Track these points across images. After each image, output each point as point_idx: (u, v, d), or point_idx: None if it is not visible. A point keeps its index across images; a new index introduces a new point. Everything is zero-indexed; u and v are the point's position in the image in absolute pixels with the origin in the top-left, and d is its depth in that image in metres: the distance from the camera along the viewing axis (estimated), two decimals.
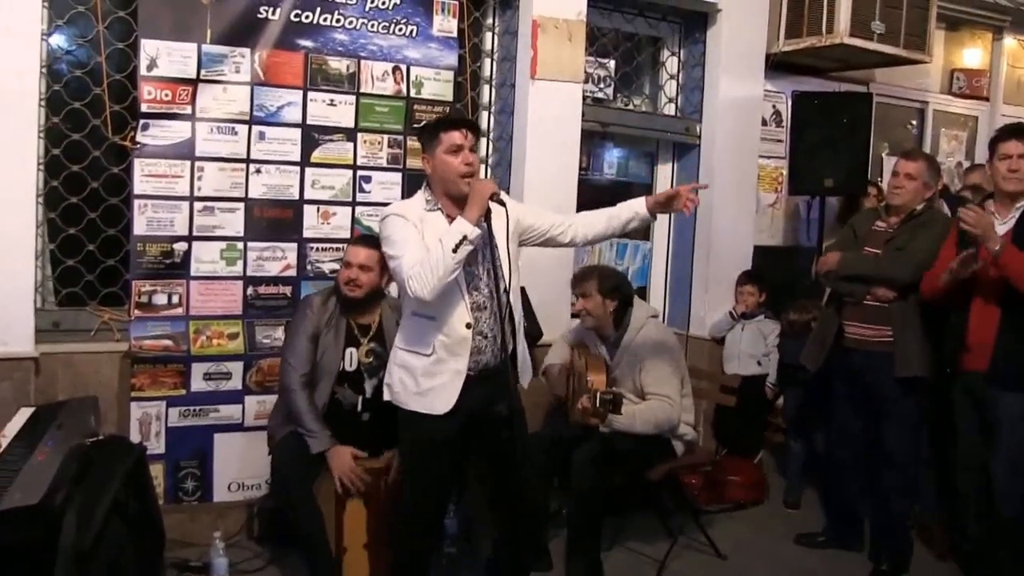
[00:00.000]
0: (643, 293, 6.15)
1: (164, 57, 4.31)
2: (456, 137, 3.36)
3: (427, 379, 3.39)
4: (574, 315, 4.78)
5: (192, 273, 4.48)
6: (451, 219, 3.34)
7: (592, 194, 5.87)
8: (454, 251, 3.19)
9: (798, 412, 5.48)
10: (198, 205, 4.46)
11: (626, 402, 4.14)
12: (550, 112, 5.29)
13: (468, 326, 3.37)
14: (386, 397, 3.55)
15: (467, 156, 3.36)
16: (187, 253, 4.46)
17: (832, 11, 5.92)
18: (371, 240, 4.03)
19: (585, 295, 4.54)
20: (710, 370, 5.67)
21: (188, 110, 4.38)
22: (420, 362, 3.40)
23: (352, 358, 4.15)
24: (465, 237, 3.20)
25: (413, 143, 4.83)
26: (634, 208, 3.69)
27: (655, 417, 4.36)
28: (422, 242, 3.30)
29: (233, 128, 4.50)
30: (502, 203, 3.37)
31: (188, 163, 4.41)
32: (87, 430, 3.54)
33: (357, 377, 4.14)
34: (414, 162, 4.85)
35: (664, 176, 6.23)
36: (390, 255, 3.38)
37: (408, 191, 4.74)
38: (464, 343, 3.38)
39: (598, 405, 4.06)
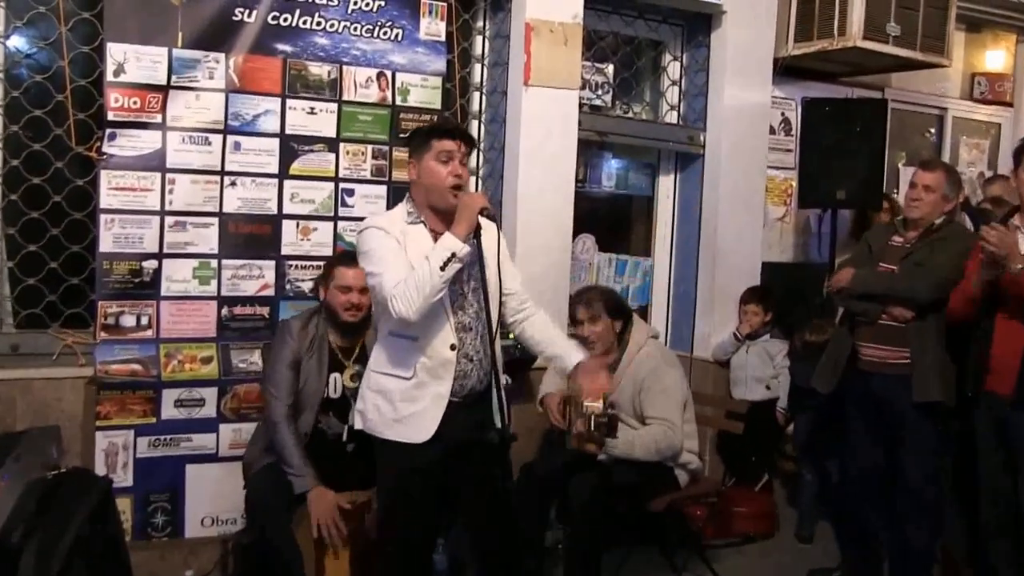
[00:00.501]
0: (644, 313, 6.14)
1: (132, 62, 4.31)
2: (448, 145, 3.36)
3: (406, 404, 3.37)
4: (578, 338, 4.76)
5: (162, 293, 4.47)
6: (434, 233, 3.35)
7: (589, 207, 5.89)
8: (442, 269, 3.18)
9: (809, 438, 5.46)
10: (169, 220, 4.45)
11: (624, 427, 4.14)
12: (544, 121, 5.28)
13: (453, 348, 3.36)
14: (358, 425, 3.53)
15: (457, 167, 3.35)
16: (157, 271, 4.44)
17: (844, 12, 5.92)
18: None
19: (594, 319, 4.52)
20: (716, 395, 5.67)
21: (158, 119, 4.38)
22: (399, 386, 3.38)
23: (336, 384, 4.15)
24: (453, 255, 3.20)
25: (399, 154, 4.87)
26: (563, 360, 3.61)
27: (655, 442, 4.35)
28: (405, 258, 3.29)
29: (206, 138, 4.49)
30: (493, 218, 3.36)
31: (158, 175, 4.41)
32: (48, 462, 3.53)
33: (342, 404, 4.12)
34: (400, 174, 4.88)
35: (666, 188, 6.24)
36: (370, 271, 3.35)
37: (393, 204, 4.68)
38: (448, 366, 3.36)
39: (593, 428, 4.04)
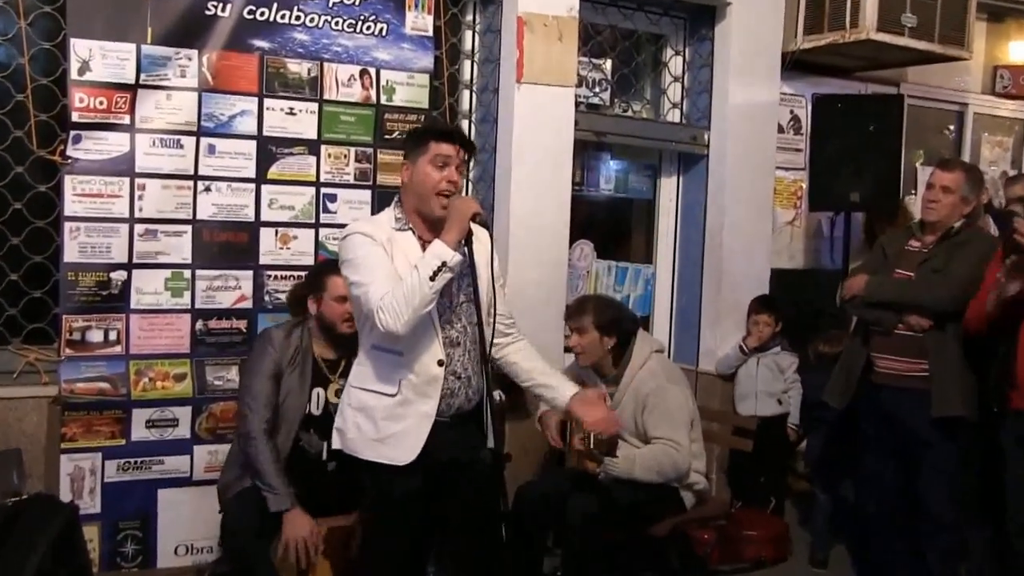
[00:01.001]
0: (646, 324, 6.12)
1: (98, 59, 4.30)
2: (446, 149, 3.34)
3: (389, 423, 3.35)
4: (568, 349, 4.76)
5: (132, 306, 4.46)
6: (423, 241, 3.34)
7: (587, 212, 5.91)
8: (431, 279, 3.15)
9: (823, 456, 5.44)
10: (139, 228, 4.44)
11: (625, 445, 4.14)
12: (538, 120, 5.28)
13: (441, 364, 3.34)
14: (336, 445, 3.52)
15: (452, 174, 3.34)
16: (126, 283, 4.43)
17: (857, 3, 5.92)
18: None
19: (580, 330, 4.55)
20: (723, 410, 5.66)
21: (126, 120, 4.37)
22: (382, 403, 3.36)
23: (319, 399, 4.15)
24: (444, 264, 3.17)
25: (385, 156, 4.92)
26: (555, 392, 3.57)
27: (658, 463, 4.35)
28: (392, 267, 3.28)
29: (178, 140, 4.49)
30: (485, 225, 3.36)
31: (127, 180, 4.40)
32: (8, 487, 3.51)
33: (325, 421, 4.06)
34: (386, 178, 4.92)
35: (668, 191, 6.24)
36: (354, 281, 3.32)
37: (379, 210, 4.69)
38: (435, 383, 3.35)
39: (592, 446, 4.06)
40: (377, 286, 3.22)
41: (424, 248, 3.28)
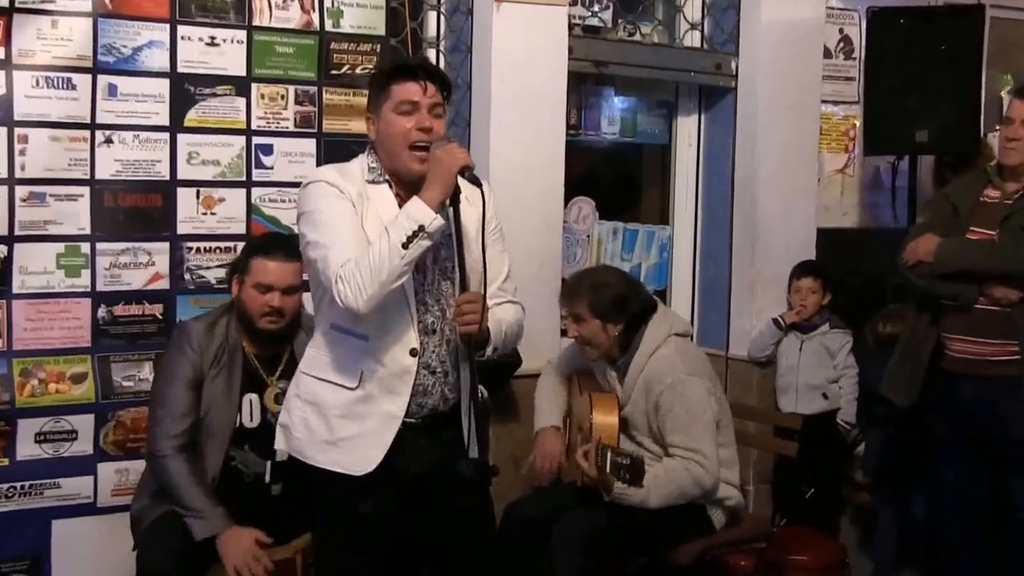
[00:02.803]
0: (661, 300, 6.05)
1: None
2: (411, 90, 3.33)
3: (345, 423, 3.37)
4: (564, 333, 4.75)
5: (15, 290, 4.44)
6: (401, 199, 3.35)
7: (586, 163, 5.94)
8: (404, 247, 3.14)
9: (885, 462, 5.44)
10: (21, 191, 4.42)
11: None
12: (523, 48, 5.24)
13: (414, 353, 3.35)
14: (280, 445, 3.56)
15: (424, 119, 3.33)
16: (6, 261, 4.42)
17: None
18: (291, 246, 3.96)
19: (577, 318, 4.52)
20: (761, 407, 5.67)
21: (0, 53, 4.34)
22: (339, 398, 3.38)
23: (254, 408, 4.15)
24: (422, 228, 3.15)
25: (332, 97, 4.94)
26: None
27: (679, 487, 4.34)
28: (360, 227, 3.28)
29: (69, 79, 4.45)
30: (478, 182, 3.32)
31: (3, 131, 4.38)
32: None
33: (263, 435, 4.07)
34: (334, 124, 4.95)
35: (687, 134, 6.26)
36: (311, 240, 3.32)
37: (326, 164, 4.71)
38: (405, 377, 3.36)
39: (607, 468, 4.02)
40: (339, 250, 3.22)
41: (401, 206, 3.29)
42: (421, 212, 3.16)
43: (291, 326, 4.14)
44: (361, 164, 3.44)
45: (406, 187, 3.36)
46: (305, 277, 3.83)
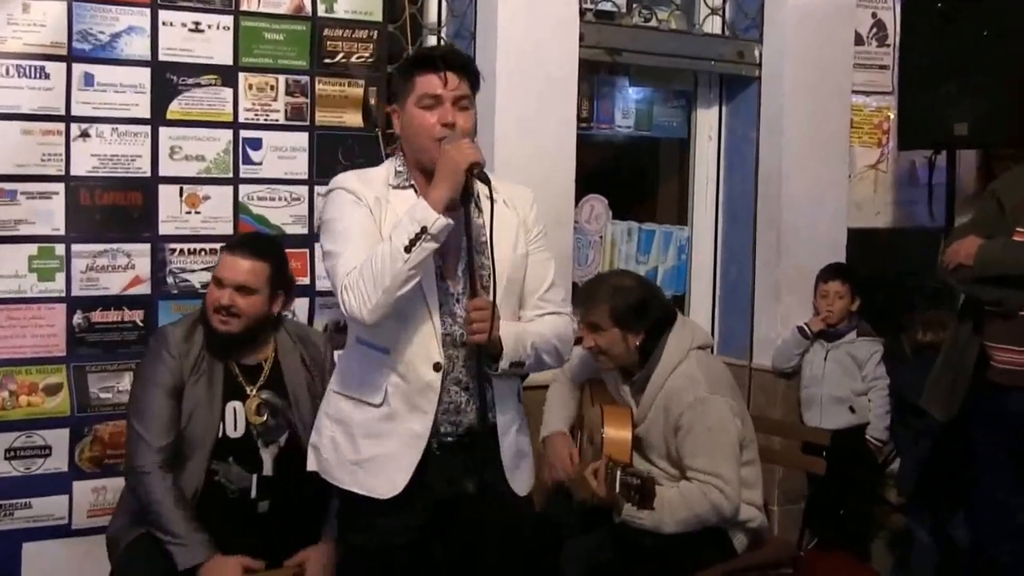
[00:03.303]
0: (680, 306, 6.13)
1: None
2: (432, 83, 3.36)
3: (369, 443, 3.39)
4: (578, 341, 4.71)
5: None
6: None
7: (598, 158, 5.95)
8: (406, 250, 3.15)
9: (923, 481, 5.44)
10: None
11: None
12: (531, 34, 5.25)
13: (437, 368, 3.36)
14: (311, 466, 3.58)
15: (447, 113, 3.34)
16: None
17: None
18: (259, 245, 4.12)
19: (594, 327, 4.46)
20: (787, 420, 5.66)
21: None
22: (363, 415, 3.41)
23: (237, 418, 4.14)
24: (424, 230, 3.15)
25: (326, 88, 4.94)
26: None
27: (695, 514, 4.29)
28: (377, 234, 3.32)
29: (42, 68, 4.44)
30: (487, 180, 3.30)
31: None
32: None
33: (247, 446, 4.12)
34: (327, 116, 4.95)
35: (707, 127, 6.27)
36: (326, 251, 3.39)
37: (319, 159, 4.84)
38: (429, 393, 3.36)
39: (616, 487, 4.02)
40: (346, 258, 3.27)
41: None
42: (423, 213, 3.18)
43: (253, 333, 4.12)
44: (388, 169, 3.48)
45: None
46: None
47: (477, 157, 3.25)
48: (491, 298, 3.28)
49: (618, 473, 4.04)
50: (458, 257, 3.36)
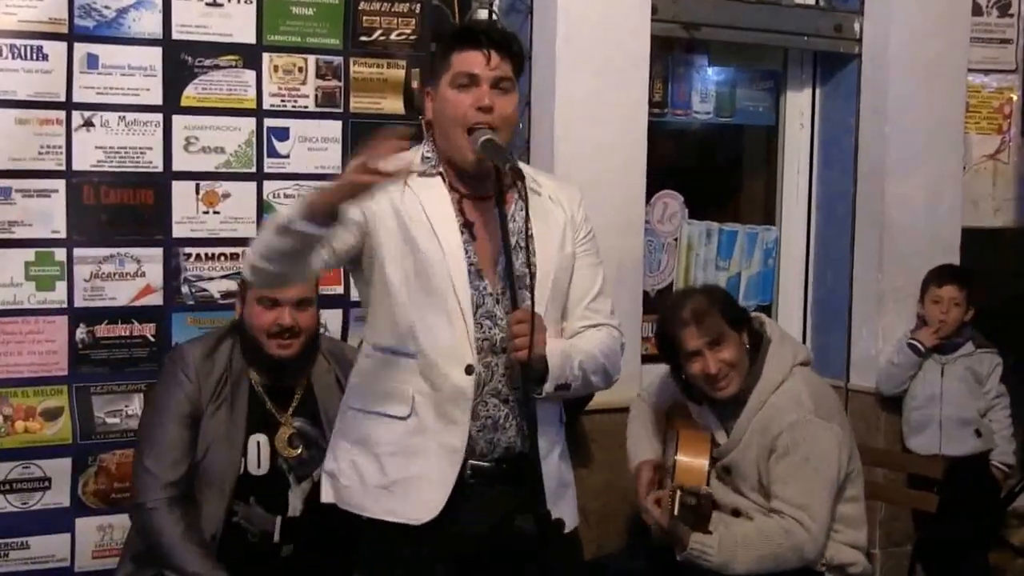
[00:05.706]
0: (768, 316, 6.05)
1: None
2: (472, 60, 3.36)
3: (399, 462, 3.37)
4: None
5: None
6: (456, 193, 3.43)
7: (673, 148, 5.96)
8: (277, 229, 3.11)
9: None
10: None
11: (728, 519, 4.15)
12: (596, 7, 5.25)
13: (470, 371, 3.34)
14: (326, 497, 3.55)
15: (483, 95, 3.35)
16: None
17: None
18: None
19: (715, 342, 4.34)
20: (891, 450, 5.62)
21: None
22: (390, 433, 3.39)
23: (263, 452, 4.15)
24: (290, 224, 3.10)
25: (361, 69, 4.97)
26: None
27: (772, 552, 4.20)
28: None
29: (40, 48, 4.46)
30: (518, 172, 3.29)
31: None
32: None
33: (274, 484, 4.15)
34: (363, 102, 4.96)
35: (800, 112, 6.28)
36: None
37: (355, 149, 4.74)
38: (461, 401, 3.34)
39: (674, 511, 4.01)
40: None
41: (459, 203, 3.40)
42: (291, 209, 3.11)
43: (308, 351, 4.14)
44: (414, 155, 3.45)
45: (462, 179, 3.42)
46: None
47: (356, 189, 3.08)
48: (531, 306, 3.26)
49: (677, 495, 4.02)
50: (496, 256, 3.37)
